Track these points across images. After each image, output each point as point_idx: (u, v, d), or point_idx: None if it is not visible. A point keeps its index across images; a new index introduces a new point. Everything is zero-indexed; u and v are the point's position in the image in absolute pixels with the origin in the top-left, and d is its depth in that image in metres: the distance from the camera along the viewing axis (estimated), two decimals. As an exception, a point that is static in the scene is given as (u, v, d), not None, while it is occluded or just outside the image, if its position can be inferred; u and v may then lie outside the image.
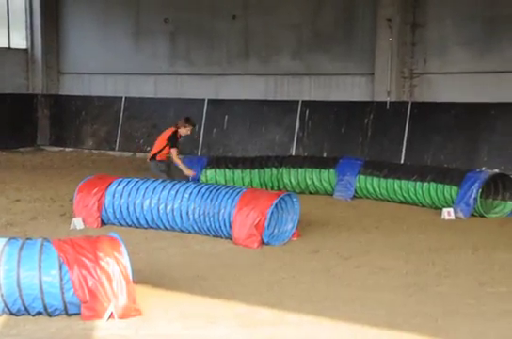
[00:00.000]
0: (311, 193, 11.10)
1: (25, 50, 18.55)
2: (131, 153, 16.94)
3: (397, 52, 14.10)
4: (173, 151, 10.02)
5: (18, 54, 18.39)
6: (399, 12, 14.02)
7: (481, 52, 13.59)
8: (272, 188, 11.01)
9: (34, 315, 5.02)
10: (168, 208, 8.09)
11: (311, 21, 15.34)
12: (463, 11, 13.72)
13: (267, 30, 15.81)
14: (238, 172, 11.03)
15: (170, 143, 10.08)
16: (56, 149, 17.95)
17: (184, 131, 10.27)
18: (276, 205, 7.69)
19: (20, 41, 18.53)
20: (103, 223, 8.41)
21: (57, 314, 5.05)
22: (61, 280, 4.98)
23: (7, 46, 18.21)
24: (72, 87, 18.52)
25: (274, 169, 11.15)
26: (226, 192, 7.92)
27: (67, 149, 17.91)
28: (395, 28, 14.00)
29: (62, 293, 4.98)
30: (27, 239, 5.30)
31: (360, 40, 14.79)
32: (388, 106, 14.16)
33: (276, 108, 15.53)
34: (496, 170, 11.49)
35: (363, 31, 14.72)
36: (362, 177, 10.65)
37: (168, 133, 10.27)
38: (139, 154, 16.59)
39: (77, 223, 8.25)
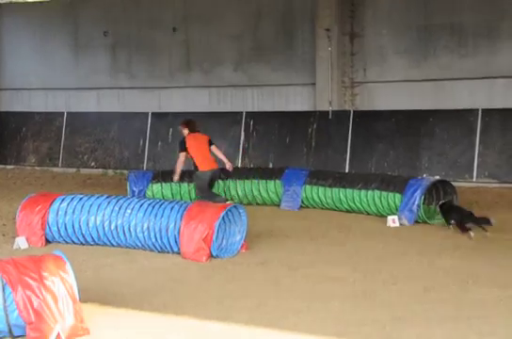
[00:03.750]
0: (258, 204, 11.12)
1: (-39, 66, 18.13)
2: (75, 169, 16.68)
3: (337, 61, 14.32)
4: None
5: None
6: (337, 23, 14.26)
7: (418, 60, 13.95)
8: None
9: (-22, 340, 4.90)
10: (113, 225, 8.00)
11: (251, 32, 15.45)
12: (399, 21, 14.06)
13: (208, 42, 15.86)
14: (185, 186, 10.98)
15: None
16: (-3, 166, 17.57)
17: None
18: (223, 218, 7.69)
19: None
20: (47, 242, 8.26)
21: (2, 337, 4.93)
22: (4, 301, 4.86)
23: None
24: (11, 103, 18.16)
25: (220, 181, 11.14)
26: (171, 207, 7.88)
27: (8, 166, 17.50)
28: (334, 38, 14.24)
29: (6, 315, 4.86)
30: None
31: (301, 51, 14.98)
32: (330, 116, 14.34)
33: (220, 120, 15.54)
34: (437, 177, 11.72)
35: (303, 41, 14.91)
36: (308, 187, 10.72)
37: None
38: (84, 170, 16.36)
39: (21, 242, 8.08)
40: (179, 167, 10.30)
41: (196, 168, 10.18)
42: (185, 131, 10.33)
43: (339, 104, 14.42)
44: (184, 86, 16.23)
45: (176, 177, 10.35)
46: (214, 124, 15.62)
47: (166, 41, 16.28)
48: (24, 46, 17.89)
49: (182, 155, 10.19)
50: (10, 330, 4.91)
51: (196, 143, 10.29)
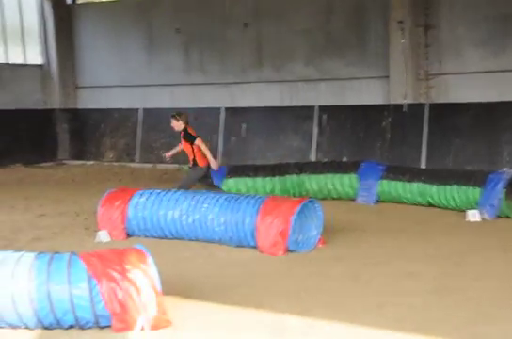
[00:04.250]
0: (333, 198, 11.06)
1: (41, 65, 18.72)
2: (151, 165, 17.00)
3: (411, 54, 14.06)
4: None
5: (34, 69, 18.56)
6: (410, 14, 13.99)
7: (496, 51, 13.54)
8: (294, 195, 10.97)
9: (66, 329, 5.04)
10: (190, 219, 8.11)
11: (322, 26, 15.35)
12: (475, 11, 13.68)
13: (279, 37, 15.84)
14: (259, 180, 11.01)
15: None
16: (77, 162, 18.06)
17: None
18: (299, 212, 7.67)
19: (35, 57, 18.71)
20: (128, 235, 8.43)
21: (89, 327, 5.07)
22: (91, 293, 4.99)
23: (23, 62, 18.39)
24: (89, 100, 18.65)
25: (295, 175, 11.12)
26: (247, 201, 7.92)
27: (88, 162, 18.01)
28: (407, 30, 13.98)
29: (93, 306, 4.99)
30: (55, 253, 5.33)
31: (373, 44, 14.78)
32: (405, 109, 14.11)
33: (292, 115, 15.54)
34: (518, 170, 11.40)
35: (375, 34, 14.71)
36: (385, 181, 10.61)
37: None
38: (160, 165, 16.65)
39: (103, 236, 8.29)
40: (209, 153, 9.52)
41: (195, 162, 9.58)
42: (181, 124, 9.53)
43: (414, 97, 14.17)
44: (255, 81, 16.28)
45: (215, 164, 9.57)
46: (286, 119, 15.65)
47: (237, 37, 16.35)
48: (100, 45, 18.31)
49: (200, 141, 9.42)
50: (97, 321, 5.03)
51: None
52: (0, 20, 17.83)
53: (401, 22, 13.91)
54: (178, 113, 9.61)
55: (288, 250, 7.49)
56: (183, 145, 9.66)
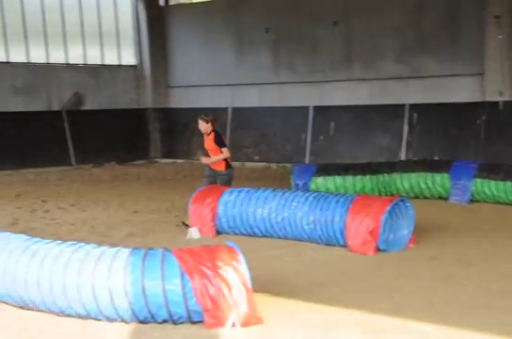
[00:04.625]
0: (425, 198, 10.86)
1: (135, 66, 19.24)
2: (240, 163, 17.16)
3: (508, 50, 13.61)
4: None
5: (128, 70, 19.10)
6: (508, 9, 13.54)
7: None
8: (385, 194, 10.84)
9: (160, 323, 5.15)
10: (279, 217, 8.14)
11: (413, 23, 15.09)
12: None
13: (369, 35, 15.68)
14: (349, 179, 10.93)
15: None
16: (168, 161, 18.47)
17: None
18: (389, 211, 7.57)
19: (129, 58, 19.25)
20: (217, 232, 8.55)
21: (182, 322, 5.16)
22: (183, 288, 5.08)
23: (117, 63, 18.96)
24: (180, 100, 19.03)
25: (386, 174, 10.98)
26: (336, 200, 7.89)
27: (178, 160, 18.38)
28: (505, 25, 13.53)
29: (185, 301, 5.08)
30: (149, 249, 5.45)
31: (467, 40, 14.41)
32: (501, 107, 13.67)
33: (382, 113, 15.35)
34: None
35: (469, 30, 14.33)
36: (479, 180, 10.34)
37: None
38: (248, 164, 16.79)
39: (194, 233, 8.43)
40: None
41: (228, 164, 9.36)
42: (209, 126, 9.20)
43: (510, 95, 13.72)
44: (344, 79, 16.16)
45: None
46: (375, 117, 15.48)
47: (326, 35, 16.29)
48: (191, 45, 18.65)
49: (228, 151, 9.27)
50: (190, 316, 5.12)
51: None
52: (97, 23, 18.45)
53: (498, 17, 13.48)
54: (207, 115, 9.29)
55: (378, 250, 7.41)
56: (211, 147, 9.27)
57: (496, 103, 13.73)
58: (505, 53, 13.60)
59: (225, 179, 9.35)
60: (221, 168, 9.30)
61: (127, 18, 19.12)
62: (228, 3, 18.03)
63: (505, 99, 13.64)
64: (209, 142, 9.28)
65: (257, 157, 17.19)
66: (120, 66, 19.00)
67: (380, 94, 15.67)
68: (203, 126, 9.22)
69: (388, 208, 7.47)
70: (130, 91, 19.07)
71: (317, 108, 16.43)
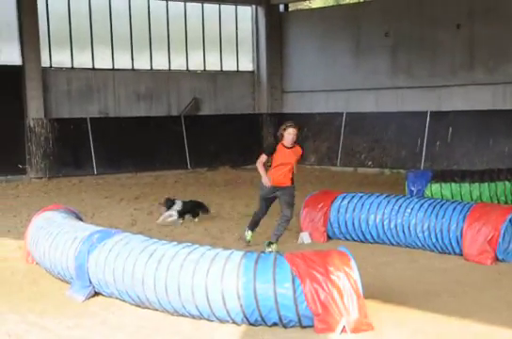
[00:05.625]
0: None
1: (252, 72, 19.52)
2: (352, 168, 17.03)
3: None
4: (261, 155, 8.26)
5: (245, 76, 19.42)
6: None
7: None
8: (505, 203, 10.42)
9: (270, 326, 5.20)
10: (392, 223, 8.02)
11: (542, 24, 14.45)
12: None
13: (494, 37, 15.15)
14: (466, 186, 10.60)
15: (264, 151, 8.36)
16: (281, 166, 18.55)
17: (285, 137, 8.07)
18: (510, 220, 7.28)
19: (247, 64, 19.56)
20: (328, 238, 8.52)
21: (292, 326, 5.18)
22: (294, 292, 5.10)
23: (235, 69, 19.31)
24: (294, 105, 19.14)
25: (506, 182, 10.56)
26: (453, 207, 7.68)
27: (288, 165, 18.44)
28: None
29: (296, 305, 5.10)
30: (262, 253, 5.52)
31: None
32: None
33: (505, 119, 14.77)
34: None
35: None
36: None
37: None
38: (361, 169, 16.63)
39: (305, 238, 8.45)
40: (260, 167, 8.27)
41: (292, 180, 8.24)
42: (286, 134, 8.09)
43: None
44: (465, 83, 15.70)
45: (267, 179, 8.15)
46: (498, 123, 14.92)
47: (448, 39, 15.90)
48: (308, 51, 18.71)
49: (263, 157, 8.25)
50: (300, 320, 5.13)
51: None
52: (217, 30, 18.89)
53: None
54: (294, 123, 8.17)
55: (497, 259, 7.14)
56: (293, 161, 8.18)
57: None
58: None
59: (293, 193, 8.18)
60: (289, 182, 8.18)
61: (247, 25, 19.46)
62: (347, 8, 18.02)
63: None
64: (292, 155, 8.09)
65: (370, 163, 16.99)
66: (237, 72, 19.35)
67: (503, 99, 15.11)
68: (295, 136, 8.01)
69: (509, 216, 7.21)
70: (247, 97, 19.39)
71: (435, 113, 16.05)
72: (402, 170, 14.82)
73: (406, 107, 16.61)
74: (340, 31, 18.04)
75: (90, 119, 16.84)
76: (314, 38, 18.68)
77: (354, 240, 8.36)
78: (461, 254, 7.38)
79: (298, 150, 8.19)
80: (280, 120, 19.17)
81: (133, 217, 10.51)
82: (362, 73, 17.55)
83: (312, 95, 18.63)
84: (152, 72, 18.00)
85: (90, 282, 6.07)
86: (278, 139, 8.26)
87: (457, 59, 15.83)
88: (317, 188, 10.84)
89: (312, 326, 5.13)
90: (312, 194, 8.93)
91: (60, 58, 16.75)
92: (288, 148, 8.09)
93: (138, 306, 5.77)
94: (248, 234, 8.35)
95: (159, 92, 18.05)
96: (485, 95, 15.30)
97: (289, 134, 8.00)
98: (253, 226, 8.41)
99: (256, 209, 8.55)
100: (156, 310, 5.64)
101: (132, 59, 17.70)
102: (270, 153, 8.18)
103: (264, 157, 8.22)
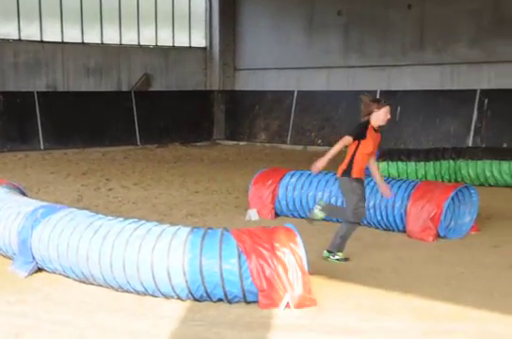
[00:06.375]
0: (490, 185, 10.62)
1: (204, 48, 19.36)
2: (302, 146, 17.13)
3: None
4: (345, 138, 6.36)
5: (197, 52, 19.26)
6: None
7: None
8: (449, 181, 10.66)
9: (215, 302, 5.22)
10: (339, 201, 8.09)
11: (492, 5, 14.65)
12: None
13: (444, 18, 15.32)
14: (412, 165, 10.80)
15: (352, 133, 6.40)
16: (231, 143, 18.59)
17: (376, 116, 6.47)
18: (453, 198, 7.44)
19: (200, 40, 19.38)
20: (276, 215, 8.57)
21: (236, 302, 5.21)
22: (240, 268, 5.12)
23: (188, 45, 19.12)
24: (246, 82, 19.10)
25: (451, 161, 10.78)
26: (399, 185, 7.79)
27: (241, 142, 18.48)
28: None
29: (241, 281, 5.12)
30: (209, 229, 5.51)
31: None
32: None
33: (452, 98, 15.03)
34: None
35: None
36: (548, 169, 10.05)
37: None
38: (311, 148, 16.73)
39: (252, 214, 8.49)
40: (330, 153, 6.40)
41: (349, 171, 6.48)
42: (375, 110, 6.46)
43: None
44: (415, 63, 15.88)
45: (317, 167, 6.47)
46: (444, 103, 15.16)
47: (399, 19, 16.02)
48: (261, 28, 18.64)
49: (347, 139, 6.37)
50: (245, 296, 5.17)
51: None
52: (170, 5, 18.63)
53: None
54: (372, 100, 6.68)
55: (438, 236, 7.30)
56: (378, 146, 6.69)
57: None
58: None
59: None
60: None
61: (200, 0, 19.21)
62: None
63: None
64: (379, 141, 6.61)
65: (320, 141, 17.10)
66: (190, 48, 19.17)
67: (451, 79, 15.34)
68: (366, 110, 6.43)
69: (451, 194, 7.34)
70: (198, 73, 19.25)
71: (384, 93, 16.20)
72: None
73: (356, 86, 16.72)
74: (293, 9, 17.98)
75: (38, 93, 16.52)
76: (268, 15, 18.60)
77: (302, 217, 8.40)
78: (405, 231, 7.50)
79: (380, 134, 6.60)
80: (232, 97, 19.15)
81: (79, 193, 10.39)
82: (315, 52, 17.58)
83: (264, 73, 18.60)
84: (102, 47, 17.70)
85: (33, 258, 5.99)
86: (362, 120, 6.53)
87: (408, 39, 15.98)
88: (267, 166, 10.87)
89: (256, 301, 5.16)
90: (261, 171, 8.94)
91: (7, 30, 16.36)
92: (376, 132, 6.50)
93: (83, 282, 5.72)
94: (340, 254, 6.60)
95: (109, 67, 17.78)
96: (433, 75, 15.52)
97: (386, 113, 6.42)
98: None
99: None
100: (101, 286, 5.60)
101: (82, 33, 17.36)
102: (361, 137, 6.36)
103: (347, 140, 6.33)
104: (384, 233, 7.70)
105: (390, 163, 10.88)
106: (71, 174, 12.48)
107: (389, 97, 15.89)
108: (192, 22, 19.19)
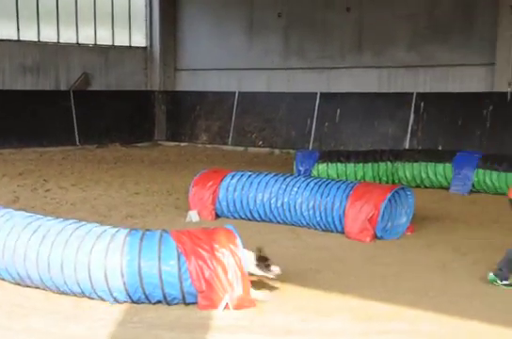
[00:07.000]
0: (426, 187, 10.87)
1: (145, 48, 19.21)
2: (243, 148, 17.17)
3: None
4: None
5: (138, 52, 19.08)
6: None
7: None
8: (386, 182, 10.86)
9: (154, 304, 5.19)
10: (279, 202, 8.16)
11: (427, 10, 15.00)
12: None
13: (382, 22, 15.59)
14: (351, 166, 10.96)
15: None
16: (172, 144, 18.49)
17: None
18: (389, 199, 7.58)
19: (140, 40, 19.21)
20: (217, 216, 8.57)
21: (176, 303, 5.19)
22: (179, 270, 5.11)
23: (127, 45, 18.93)
24: (187, 83, 19.01)
25: (388, 162, 10.99)
26: (338, 186, 7.90)
27: (182, 143, 18.40)
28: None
29: (180, 282, 5.12)
30: (147, 230, 5.48)
31: (480, 29, 14.31)
32: (509, 97, 13.61)
33: (389, 101, 15.31)
34: None
35: (483, 20, 14.24)
36: (481, 171, 10.34)
37: None
38: (251, 149, 16.79)
39: (193, 216, 8.47)
40: None
41: None
42: None
43: (520, 86, 13.65)
44: (353, 66, 16.11)
45: None
46: (382, 106, 15.43)
47: (338, 22, 16.21)
48: (203, 29, 18.58)
49: None
50: (184, 297, 5.16)
51: None
52: (109, 4, 18.40)
53: (513, 6, 13.37)
54: None
55: (376, 237, 7.43)
56: None
57: (504, 93, 13.66)
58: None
59: None
60: None
61: (140, 0, 19.06)
62: (241, -13, 17.95)
63: (513, 90, 13.58)
64: None
65: (261, 142, 17.19)
66: (130, 47, 18.98)
67: (389, 82, 15.62)
68: None
69: (388, 196, 7.47)
70: (139, 73, 19.07)
71: (324, 95, 16.40)
72: (292, 150, 15.08)
73: (297, 88, 16.86)
74: (234, 10, 18.01)
75: (-28, 91, 16.10)
76: (209, 16, 18.57)
77: (242, 218, 8.44)
78: (343, 232, 7.61)
79: None
80: (173, 98, 19.06)
81: (15, 194, 10.17)
82: (255, 53, 17.65)
83: (205, 73, 18.57)
84: (39, 45, 17.36)
85: (-33, 261, 5.84)
86: None
87: (347, 42, 16.20)
88: (208, 167, 10.87)
89: (195, 303, 5.16)
90: (202, 173, 8.93)
91: None
92: None
93: (18, 284, 5.61)
94: None
95: (47, 66, 17.44)
96: (371, 78, 15.77)
97: None
98: None
99: None
100: (38, 288, 5.50)
101: (18, 30, 16.98)
102: None
103: None
104: (323, 233, 7.79)
105: (329, 164, 11.02)
106: (6, 175, 12.20)
107: (328, 99, 16.15)
108: (132, 21, 18.99)
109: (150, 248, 5.20)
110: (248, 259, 5.28)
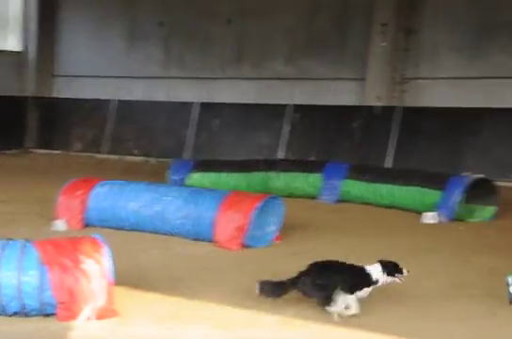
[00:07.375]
0: (297, 197, 11.15)
1: (19, 52, 18.59)
2: (119, 156, 16.94)
3: (390, 57, 14.16)
4: None
5: (12, 56, 18.42)
6: (394, 18, 14.06)
7: (471, 58, 13.68)
8: (259, 192, 10.99)
9: (10, 316, 5.03)
10: (151, 211, 8.13)
11: (305, 25, 15.43)
12: (456, 17, 13.81)
13: (262, 35, 15.89)
14: (225, 176, 11.08)
15: None
16: (44, 151, 17.91)
17: None
18: (259, 208, 7.72)
19: (15, 44, 18.58)
20: (86, 225, 8.43)
21: (34, 315, 5.07)
22: (40, 280, 5.00)
23: (2, 49, 18.25)
24: (64, 89, 18.55)
25: (263, 172, 11.19)
26: (210, 196, 7.98)
27: (54, 151, 17.86)
28: (389, 33, 14.06)
29: (40, 293, 5.00)
30: (9, 240, 5.33)
31: (354, 45, 14.88)
32: (376, 111, 14.23)
33: (266, 112, 15.62)
34: (480, 175, 11.51)
35: (357, 36, 14.81)
36: (348, 181, 10.73)
37: None
38: (128, 157, 16.63)
39: (60, 225, 8.29)
40: None
41: None
42: None
43: (387, 100, 14.29)
44: (233, 77, 16.31)
45: None
46: (259, 116, 15.73)
47: (219, 33, 16.37)
48: (81, 35, 18.23)
49: None
50: (43, 308, 5.04)
51: None
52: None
53: (385, 24, 13.97)
54: None
55: (244, 245, 7.55)
56: None
57: (373, 107, 14.27)
58: (387, 60, 14.13)
59: None
60: None
61: (16, 2, 18.44)
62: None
63: (382, 104, 14.18)
64: None
65: (136, 151, 17.04)
66: (2, 51, 18.29)
67: (266, 94, 15.93)
68: None
69: (258, 205, 7.62)
70: (10, 78, 18.37)
71: (203, 105, 16.50)
72: (168, 160, 15.03)
73: (176, 98, 16.86)
74: (114, 17, 17.80)
75: None
76: (89, 22, 18.24)
77: (112, 228, 8.34)
78: (213, 241, 7.68)
79: None
80: (48, 105, 18.53)
81: None
82: (135, 61, 17.50)
83: (82, 80, 18.19)
84: None
85: None
86: None
87: (227, 53, 16.39)
88: (80, 176, 10.66)
89: (55, 314, 5.05)
90: (71, 181, 8.75)
91: None
92: None
93: None
94: None
95: None
96: (250, 89, 16.03)
97: None
98: None
99: None
100: None
101: None
102: None
103: None
104: (194, 242, 7.82)
105: (204, 174, 11.09)
106: None
107: (208, 109, 16.27)
108: (7, 24, 18.34)
109: (10, 258, 5.05)
110: (375, 270, 5.38)
